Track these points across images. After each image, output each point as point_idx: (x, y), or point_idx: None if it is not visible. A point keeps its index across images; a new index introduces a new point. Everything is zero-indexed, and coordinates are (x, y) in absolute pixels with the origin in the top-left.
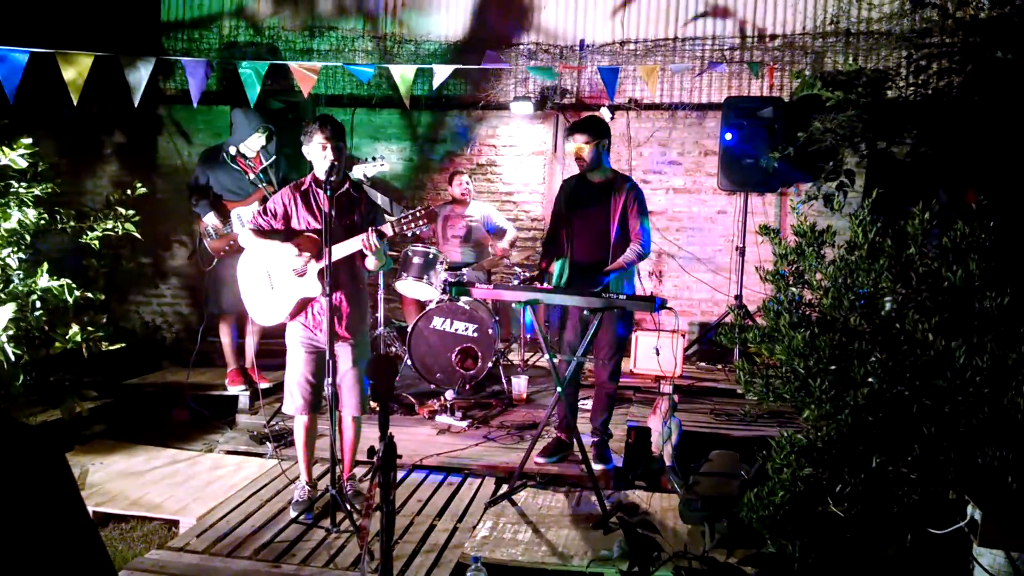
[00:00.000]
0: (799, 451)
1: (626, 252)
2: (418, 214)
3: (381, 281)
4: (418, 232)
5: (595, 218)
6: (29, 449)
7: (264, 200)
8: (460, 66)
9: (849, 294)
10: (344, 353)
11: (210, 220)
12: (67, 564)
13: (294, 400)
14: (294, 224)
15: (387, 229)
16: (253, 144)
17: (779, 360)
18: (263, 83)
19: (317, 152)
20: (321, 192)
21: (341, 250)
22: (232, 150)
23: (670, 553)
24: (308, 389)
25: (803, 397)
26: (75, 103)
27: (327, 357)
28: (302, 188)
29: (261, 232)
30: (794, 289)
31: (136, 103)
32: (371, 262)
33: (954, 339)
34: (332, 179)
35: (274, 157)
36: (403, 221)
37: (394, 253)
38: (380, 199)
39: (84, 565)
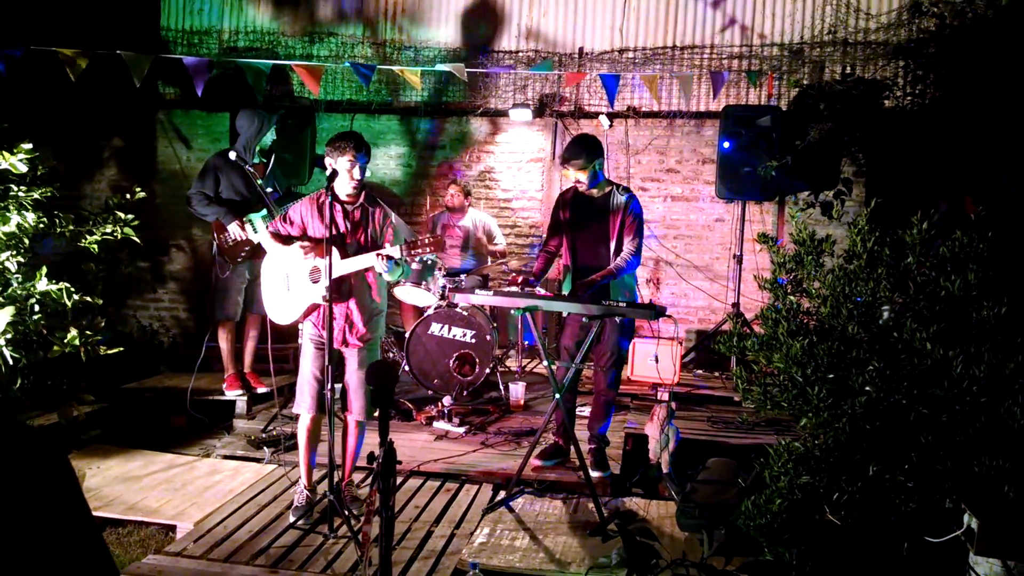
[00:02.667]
0: (796, 459)
1: (616, 260)
2: (427, 240)
3: None
4: (427, 260)
5: (595, 232)
6: (32, 450)
7: (268, 205)
8: (456, 69)
9: (847, 303)
10: (352, 356)
11: (235, 230)
12: (70, 566)
13: (303, 399)
14: (310, 232)
15: (395, 252)
16: (267, 141)
17: (777, 368)
18: (262, 88)
19: (344, 171)
20: (338, 206)
21: (350, 265)
22: (248, 155)
23: (668, 560)
24: (315, 387)
25: (801, 405)
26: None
27: (326, 362)
28: (319, 200)
29: (278, 236)
30: (792, 297)
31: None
32: (387, 277)
33: (952, 348)
34: (349, 194)
35: (274, 155)
36: (412, 247)
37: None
38: (393, 218)
39: (87, 567)
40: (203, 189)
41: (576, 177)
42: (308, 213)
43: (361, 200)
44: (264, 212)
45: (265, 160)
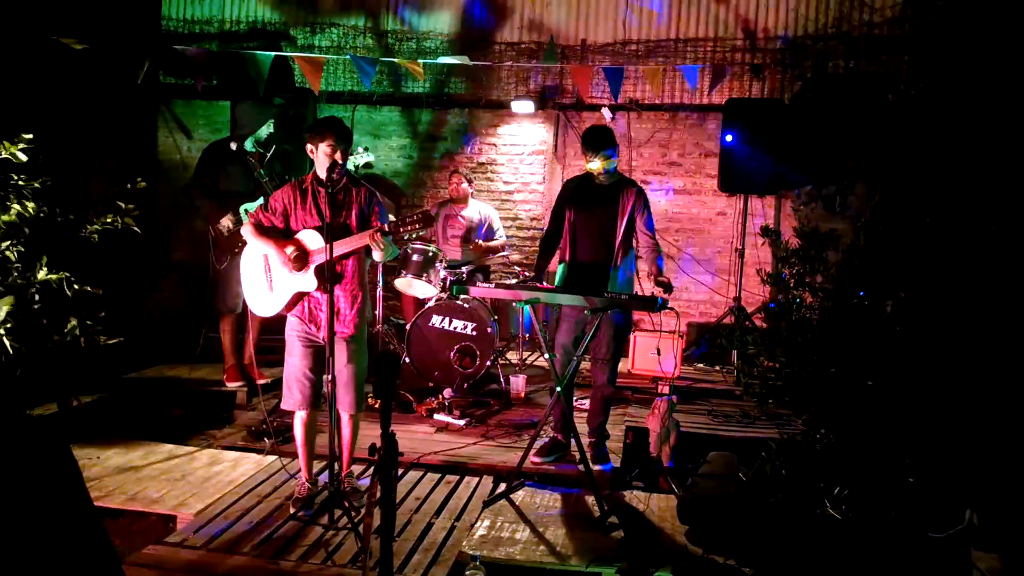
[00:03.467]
0: (798, 453)
1: (651, 255)
2: (415, 217)
3: (380, 279)
4: (414, 236)
5: (601, 220)
6: (34, 440)
7: (265, 195)
8: (462, 60)
9: (850, 297)
10: (340, 350)
11: (226, 222)
12: (72, 554)
13: (292, 396)
14: (292, 222)
15: (387, 227)
16: (263, 134)
17: (779, 362)
18: (263, 78)
19: (324, 156)
20: (322, 191)
21: (343, 247)
22: (248, 144)
23: (669, 554)
24: (306, 384)
25: (802, 399)
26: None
27: (327, 354)
28: (303, 186)
29: (261, 228)
30: (795, 291)
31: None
32: (378, 255)
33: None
34: (333, 177)
35: (274, 146)
36: (400, 223)
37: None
38: (378, 195)
39: (88, 555)
40: (201, 180)
41: (601, 167)
42: (291, 200)
43: (344, 182)
44: (260, 201)
45: (263, 151)
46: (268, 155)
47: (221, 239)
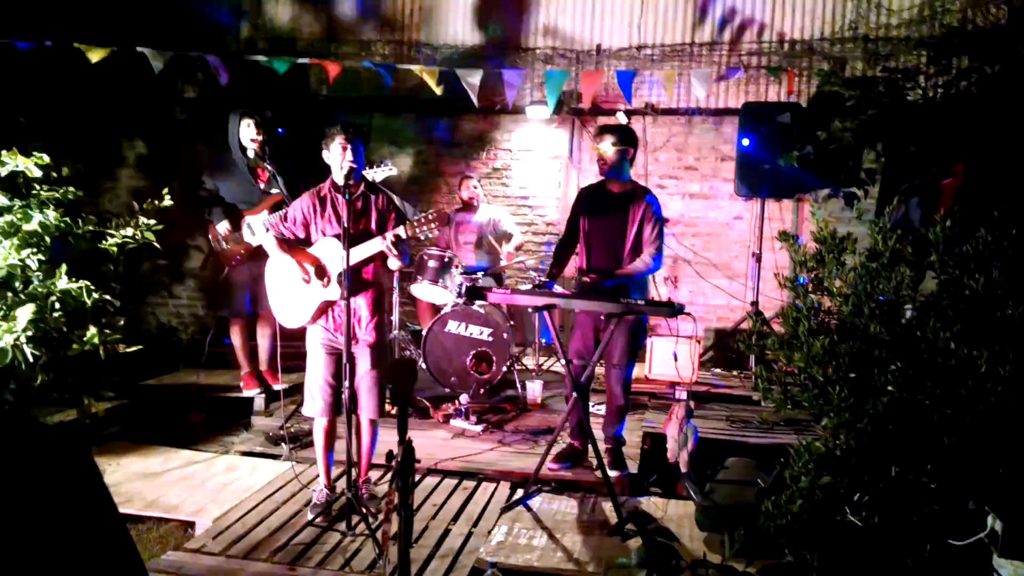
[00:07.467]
0: (817, 459)
1: (635, 262)
2: (430, 217)
3: (396, 284)
4: (431, 235)
5: (612, 227)
6: (54, 450)
7: (275, 207)
8: (475, 70)
9: (869, 301)
10: (363, 356)
11: (222, 228)
12: (99, 563)
13: (314, 402)
14: (313, 231)
15: (402, 232)
16: (246, 136)
17: (797, 367)
18: (281, 79)
19: (336, 156)
20: (340, 197)
21: (360, 253)
22: (244, 156)
23: (688, 562)
24: (328, 391)
25: (822, 405)
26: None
27: (344, 361)
28: (320, 194)
29: (283, 241)
30: (813, 296)
31: (157, 71)
32: (393, 262)
33: (976, 348)
34: (350, 183)
35: (271, 146)
36: (416, 224)
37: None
38: (397, 200)
39: (116, 563)
40: (204, 188)
41: (603, 153)
42: (309, 208)
43: (362, 189)
44: (264, 214)
45: (265, 164)
46: (271, 168)
47: (218, 248)
